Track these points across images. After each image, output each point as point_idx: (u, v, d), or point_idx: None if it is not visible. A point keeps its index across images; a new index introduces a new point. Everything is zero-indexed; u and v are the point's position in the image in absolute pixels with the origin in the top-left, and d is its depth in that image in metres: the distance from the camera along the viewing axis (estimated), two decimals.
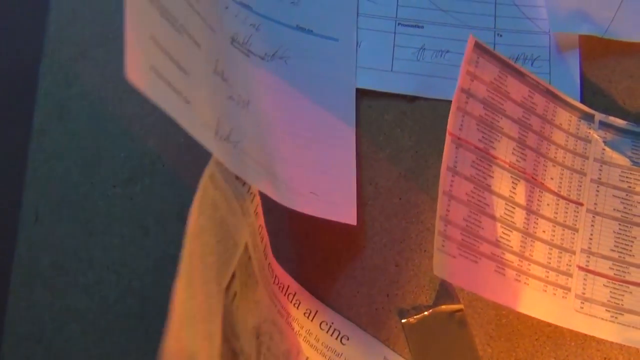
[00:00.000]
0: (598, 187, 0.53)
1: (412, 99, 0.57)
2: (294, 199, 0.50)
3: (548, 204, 0.51)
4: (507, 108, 0.51)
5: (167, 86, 0.39)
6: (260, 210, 0.45)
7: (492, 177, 0.49)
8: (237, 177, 0.43)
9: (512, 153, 0.50)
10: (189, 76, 0.42)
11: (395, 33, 0.59)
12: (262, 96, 0.52)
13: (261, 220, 0.46)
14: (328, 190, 0.51)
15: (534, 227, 0.50)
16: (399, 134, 0.56)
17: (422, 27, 0.59)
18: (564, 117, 0.54)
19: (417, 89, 0.57)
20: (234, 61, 0.51)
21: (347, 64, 0.56)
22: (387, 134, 0.56)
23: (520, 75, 0.52)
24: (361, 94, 0.57)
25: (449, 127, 0.47)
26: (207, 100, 0.43)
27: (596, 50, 0.58)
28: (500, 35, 0.59)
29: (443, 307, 0.51)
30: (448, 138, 0.47)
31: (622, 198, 0.53)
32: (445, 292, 0.51)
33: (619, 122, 0.55)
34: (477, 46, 0.49)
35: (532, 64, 0.58)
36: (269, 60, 0.55)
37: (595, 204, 0.53)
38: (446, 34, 0.59)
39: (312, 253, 0.53)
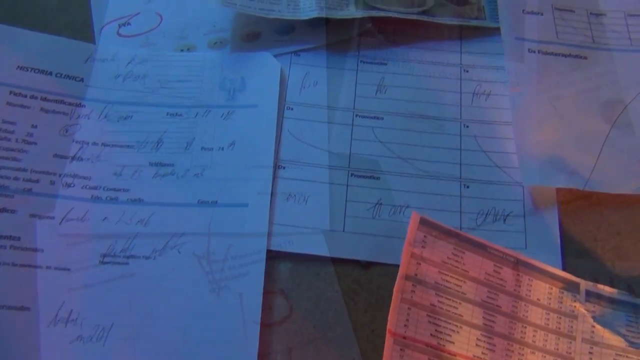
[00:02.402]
0: None
1: (368, 264, 0.49)
2: None
3: None
4: (467, 290, 0.42)
5: None
6: None
7: None
8: None
9: (477, 344, 0.42)
10: None
11: (347, 185, 0.51)
12: (135, 306, 0.47)
13: None
14: None
15: None
16: (352, 307, 0.48)
17: (378, 178, 0.52)
18: (542, 290, 0.45)
19: (373, 253, 0.49)
20: (94, 292, 0.47)
21: (257, 230, 0.49)
22: (337, 309, 0.48)
23: (481, 248, 0.43)
24: (308, 260, 0.49)
25: (389, 324, 0.39)
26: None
27: (577, 203, 0.50)
28: (467, 187, 0.51)
29: None
30: (389, 339, 0.38)
31: None
32: None
33: (609, 290, 0.46)
34: (424, 223, 0.41)
35: (504, 221, 0.49)
36: (157, 256, 0.49)
37: None
38: (405, 186, 0.52)
39: None
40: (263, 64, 0.56)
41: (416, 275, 0.41)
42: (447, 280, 0.42)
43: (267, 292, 0.48)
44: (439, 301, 0.41)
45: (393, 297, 0.40)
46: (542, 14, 0.57)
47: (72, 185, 0.50)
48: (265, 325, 0.47)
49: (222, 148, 0.52)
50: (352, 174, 0.52)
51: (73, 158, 0.51)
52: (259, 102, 0.54)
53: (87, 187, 0.50)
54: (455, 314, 0.42)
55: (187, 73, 0.56)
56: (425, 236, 0.42)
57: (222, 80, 0.56)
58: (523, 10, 0.57)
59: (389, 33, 0.59)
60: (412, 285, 0.41)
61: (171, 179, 0.51)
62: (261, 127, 0.53)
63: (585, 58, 0.55)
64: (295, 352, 0.47)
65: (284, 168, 0.52)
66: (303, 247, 0.50)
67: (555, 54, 0.55)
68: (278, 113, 0.54)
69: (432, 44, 0.58)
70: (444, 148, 0.53)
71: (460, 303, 0.42)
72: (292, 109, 0.55)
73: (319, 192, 0.52)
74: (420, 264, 0.41)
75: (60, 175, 0.50)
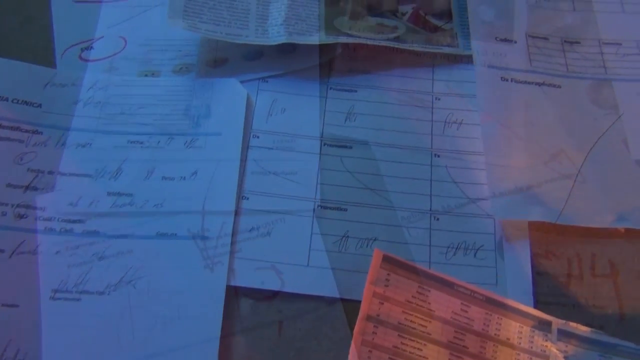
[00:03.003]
0: None
1: (332, 301, 0.46)
2: None
3: None
4: (432, 330, 0.40)
5: None
6: None
7: None
8: None
9: None
10: None
11: (313, 217, 0.49)
12: (87, 345, 0.45)
13: None
14: None
15: None
16: (315, 347, 0.45)
17: (346, 209, 0.50)
18: (512, 330, 0.43)
19: (338, 288, 0.46)
20: (43, 330, 0.45)
21: (218, 263, 0.47)
22: (299, 348, 0.45)
23: (447, 285, 0.41)
24: (268, 297, 0.46)
25: None
26: None
27: (550, 237, 0.48)
28: (437, 219, 0.49)
29: None
30: None
31: None
32: None
33: (582, 329, 0.44)
34: (387, 260, 0.39)
35: (475, 255, 0.47)
36: (111, 292, 0.46)
37: None
38: (374, 218, 0.50)
39: None
40: (229, 91, 0.54)
41: (378, 315, 0.39)
42: (411, 321, 0.40)
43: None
44: (402, 343, 0.39)
45: (353, 340, 0.38)
46: (515, 42, 0.56)
47: (24, 216, 0.47)
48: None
49: (184, 178, 0.50)
50: (318, 205, 0.50)
51: (27, 188, 0.49)
52: (223, 130, 0.53)
53: (41, 218, 0.48)
54: (420, 356, 0.40)
55: (150, 99, 0.54)
56: (388, 274, 0.40)
57: (186, 107, 0.54)
58: (496, 38, 0.56)
59: (360, 60, 0.57)
60: (374, 326, 0.39)
61: (129, 210, 0.48)
62: (225, 155, 0.51)
63: (559, 87, 0.54)
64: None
65: (248, 199, 0.50)
66: (265, 283, 0.47)
67: (529, 83, 0.54)
68: (243, 141, 0.52)
69: (404, 71, 0.56)
70: (414, 179, 0.52)
71: (425, 344, 0.40)
72: (258, 137, 0.53)
73: (281, 224, 0.49)
74: (383, 303, 0.39)
75: (12, 206, 0.48)
